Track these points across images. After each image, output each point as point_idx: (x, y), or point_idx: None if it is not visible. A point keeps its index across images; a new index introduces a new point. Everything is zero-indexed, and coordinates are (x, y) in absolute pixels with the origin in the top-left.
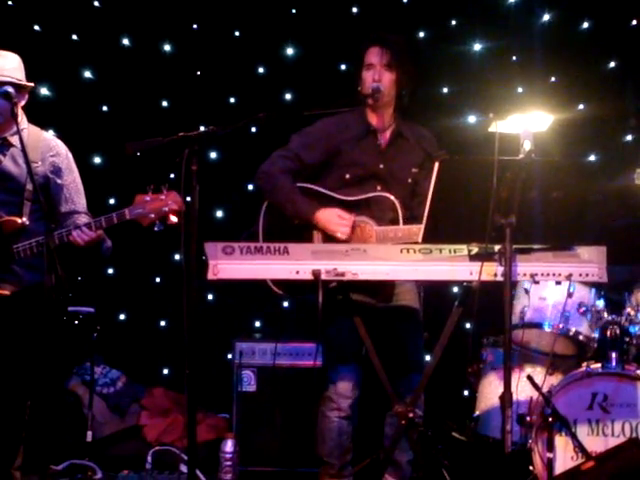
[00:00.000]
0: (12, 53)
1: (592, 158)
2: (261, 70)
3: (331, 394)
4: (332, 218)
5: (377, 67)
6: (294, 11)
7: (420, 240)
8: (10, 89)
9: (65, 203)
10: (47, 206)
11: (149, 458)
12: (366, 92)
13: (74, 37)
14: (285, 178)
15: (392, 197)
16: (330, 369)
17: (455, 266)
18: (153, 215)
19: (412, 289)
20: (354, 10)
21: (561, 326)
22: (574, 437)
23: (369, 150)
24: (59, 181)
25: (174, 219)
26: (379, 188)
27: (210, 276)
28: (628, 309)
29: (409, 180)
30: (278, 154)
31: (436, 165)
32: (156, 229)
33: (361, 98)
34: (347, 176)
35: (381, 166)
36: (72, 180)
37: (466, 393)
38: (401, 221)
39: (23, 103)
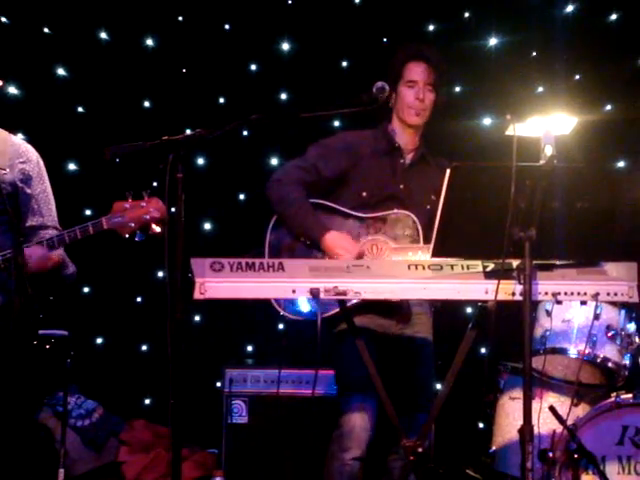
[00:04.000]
0: None
1: (621, 164)
2: (254, 67)
3: (345, 431)
4: (340, 242)
5: (421, 85)
6: (290, 1)
7: (430, 255)
8: None
9: (32, 216)
10: (16, 217)
11: None
12: (407, 110)
13: (46, 30)
14: (297, 190)
15: (412, 215)
16: (344, 400)
17: (468, 284)
18: (133, 224)
19: (428, 320)
20: (356, 0)
21: (587, 351)
22: (603, 476)
23: (390, 168)
24: (28, 191)
25: (157, 228)
26: (396, 210)
27: (197, 295)
28: None
29: (427, 206)
30: (293, 164)
31: (447, 172)
32: (137, 239)
33: (392, 114)
34: (364, 194)
35: (401, 186)
36: (42, 190)
37: (481, 426)
38: (421, 239)
39: None
